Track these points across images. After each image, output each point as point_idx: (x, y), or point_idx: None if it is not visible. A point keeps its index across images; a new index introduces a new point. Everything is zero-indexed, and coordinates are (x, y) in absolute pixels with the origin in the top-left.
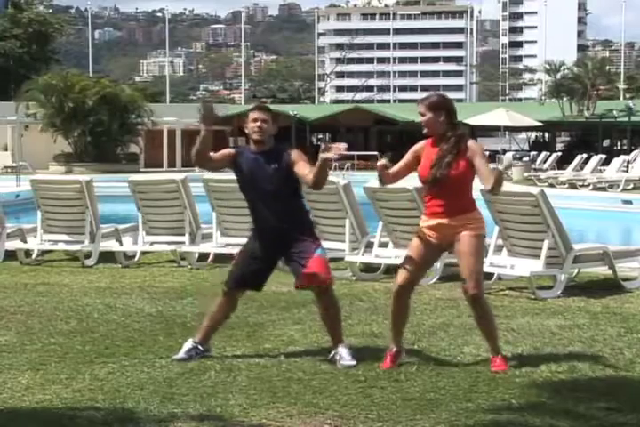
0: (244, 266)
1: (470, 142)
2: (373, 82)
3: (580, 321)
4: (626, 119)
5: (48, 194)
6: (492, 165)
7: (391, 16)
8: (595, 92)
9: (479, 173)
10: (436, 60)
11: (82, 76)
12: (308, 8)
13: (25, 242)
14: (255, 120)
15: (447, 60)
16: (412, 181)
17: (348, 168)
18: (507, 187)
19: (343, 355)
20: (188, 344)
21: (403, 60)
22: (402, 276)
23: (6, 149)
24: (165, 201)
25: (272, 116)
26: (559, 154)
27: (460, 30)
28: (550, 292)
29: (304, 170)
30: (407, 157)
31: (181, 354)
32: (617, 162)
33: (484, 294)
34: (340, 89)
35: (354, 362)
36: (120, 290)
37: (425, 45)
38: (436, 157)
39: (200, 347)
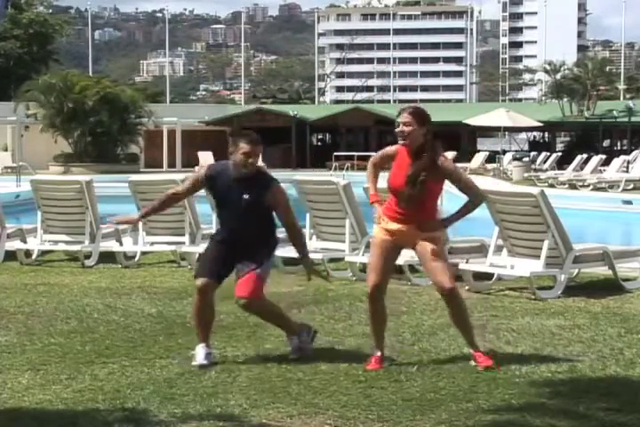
0: (208, 259)
1: (442, 161)
2: (373, 82)
3: (580, 321)
4: (626, 119)
5: (48, 194)
6: (492, 165)
7: (391, 16)
8: (595, 93)
9: (465, 190)
10: (436, 60)
11: (82, 76)
12: (308, 8)
13: (25, 242)
14: (246, 154)
15: (447, 60)
16: None
17: (347, 168)
18: (507, 187)
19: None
20: (203, 350)
21: (403, 61)
22: (372, 280)
23: (6, 150)
24: None
25: (261, 149)
26: (559, 154)
27: (460, 31)
28: (550, 292)
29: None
30: (377, 159)
31: (202, 361)
32: (617, 162)
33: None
34: (340, 89)
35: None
36: (120, 290)
37: (425, 46)
38: (409, 174)
39: (210, 349)
